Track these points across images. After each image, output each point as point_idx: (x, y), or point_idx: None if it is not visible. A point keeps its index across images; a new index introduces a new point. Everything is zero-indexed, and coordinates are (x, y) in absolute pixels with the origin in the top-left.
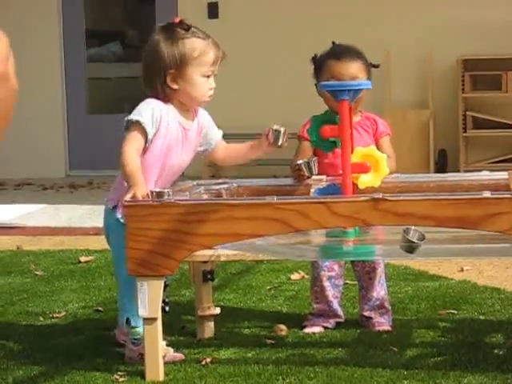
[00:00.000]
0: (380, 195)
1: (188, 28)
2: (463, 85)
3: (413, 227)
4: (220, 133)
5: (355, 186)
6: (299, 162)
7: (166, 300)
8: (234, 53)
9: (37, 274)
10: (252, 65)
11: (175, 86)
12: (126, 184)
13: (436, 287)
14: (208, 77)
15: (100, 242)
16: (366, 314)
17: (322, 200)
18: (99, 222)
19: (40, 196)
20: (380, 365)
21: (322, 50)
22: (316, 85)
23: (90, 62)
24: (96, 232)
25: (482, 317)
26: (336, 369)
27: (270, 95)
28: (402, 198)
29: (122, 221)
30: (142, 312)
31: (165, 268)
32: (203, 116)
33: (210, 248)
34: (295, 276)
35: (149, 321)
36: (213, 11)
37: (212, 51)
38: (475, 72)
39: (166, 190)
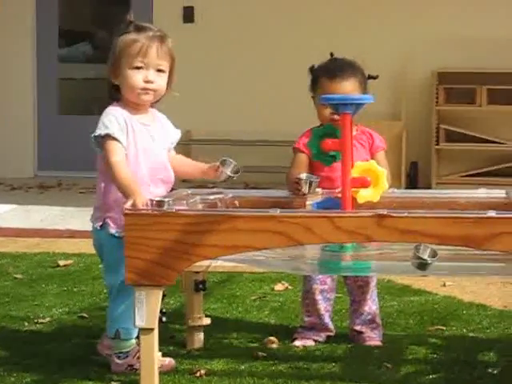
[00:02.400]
0: (385, 211)
1: (128, 24)
2: (437, 97)
3: (423, 244)
4: (177, 133)
5: (354, 200)
6: (302, 176)
7: (163, 310)
8: (209, 57)
9: (16, 277)
10: (227, 70)
11: (116, 82)
12: (121, 195)
13: (422, 302)
14: (138, 68)
15: (75, 246)
16: (357, 328)
17: (325, 214)
18: (72, 224)
19: (9, 196)
20: (375, 381)
21: (320, 61)
22: (313, 97)
23: (61, 62)
24: (70, 235)
25: (471, 334)
26: None
27: (245, 101)
28: (406, 214)
29: (116, 235)
30: (139, 322)
31: (164, 278)
32: (161, 116)
33: (211, 259)
34: (279, 287)
35: (146, 331)
36: (188, 15)
37: (139, 42)
38: (449, 85)
39: (166, 200)
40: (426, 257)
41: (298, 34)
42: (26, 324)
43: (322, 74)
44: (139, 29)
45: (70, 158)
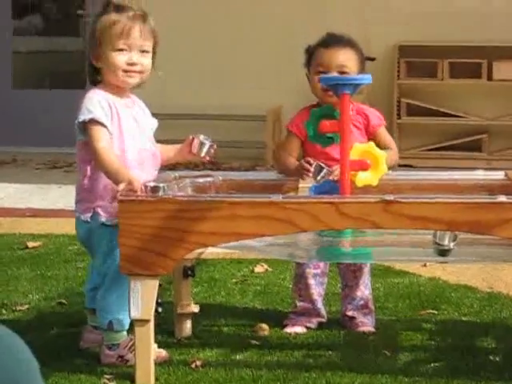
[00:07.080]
0: (391, 197)
1: (107, 5)
2: (398, 71)
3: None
4: (155, 122)
5: (352, 183)
6: (314, 162)
7: (159, 301)
8: (169, 30)
9: None
10: (188, 43)
11: (99, 65)
12: (114, 185)
13: (407, 284)
14: (121, 50)
15: (40, 226)
16: (350, 313)
17: (330, 200)
18: (32, 203)
19: None
20: (377, 371)
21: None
22: (307, 75)
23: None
24: (32, 214)
25: (464, 318)
26: (333, 375)
27: (206, 74)
28: (413, 200)
29: (107, 223)
30: (135, 313)
31: (160, 267)
32: (140, 102)
33: (210, 247)
34: (259, 269)
35: (141, 323)
36: None
37: (121, 23)
38: (411, 58)
39: (161, 185)
40: (446, 242)
41: (262, 7)
42: (4, 311)
43: (317, 45)
44: (119, 9)
45: (24, 133)
